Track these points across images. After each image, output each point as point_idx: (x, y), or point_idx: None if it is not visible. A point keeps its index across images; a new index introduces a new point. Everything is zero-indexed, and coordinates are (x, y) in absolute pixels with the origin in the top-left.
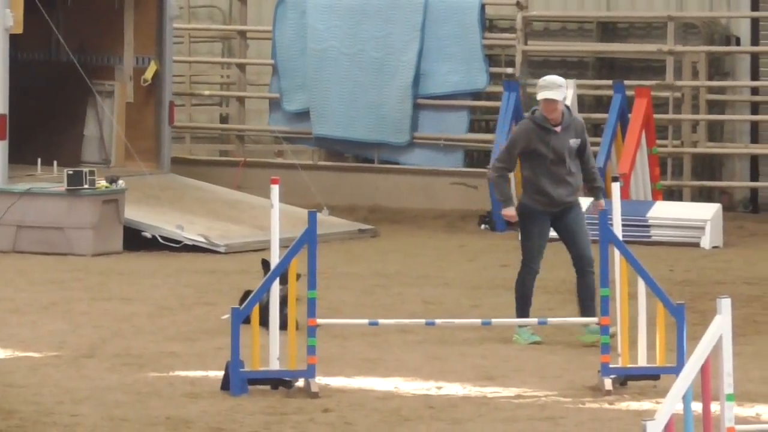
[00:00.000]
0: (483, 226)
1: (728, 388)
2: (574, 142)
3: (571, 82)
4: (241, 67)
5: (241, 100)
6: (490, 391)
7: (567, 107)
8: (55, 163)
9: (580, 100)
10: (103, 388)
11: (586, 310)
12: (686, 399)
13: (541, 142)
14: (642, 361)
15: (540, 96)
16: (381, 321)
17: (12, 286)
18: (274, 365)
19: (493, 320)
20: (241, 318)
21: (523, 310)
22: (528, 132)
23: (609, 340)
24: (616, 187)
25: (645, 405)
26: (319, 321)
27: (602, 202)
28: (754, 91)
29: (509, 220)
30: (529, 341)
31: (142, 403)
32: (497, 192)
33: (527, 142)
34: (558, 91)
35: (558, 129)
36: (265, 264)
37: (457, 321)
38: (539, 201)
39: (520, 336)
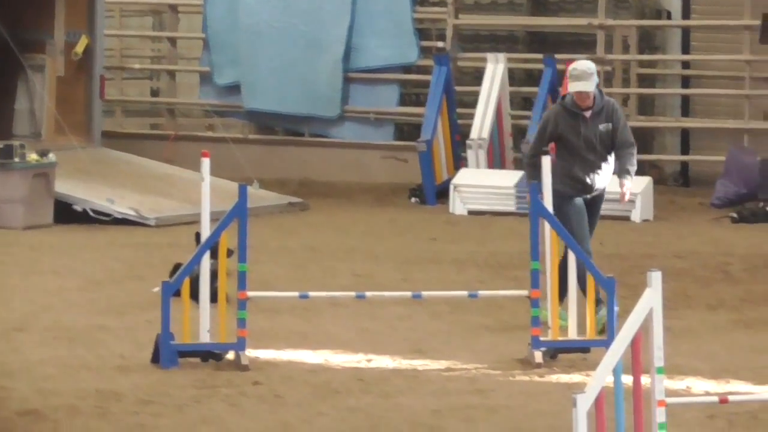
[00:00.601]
0: (413, 200)
1: (658, 361)
2: (604, 127)
3: (501, 56)
4: (172, 41)
5: (171, 73)
6: (420, 364)
7: (600, 91)
8: None
9: (511, 73)
10: (34, 362)
11: (581, 284)
12: (616, 372)
13: (571, 128)
14: (572, 335)
15: (572, 89)
16: (311, 294)
17: None
18: (205, 338)
19: (423, 293)
20: (172, 291)
21: (563, 290)
22: (557, 116)
23: (539, 313)
24: (546, 161)
25: (575, 378)
26: (250, 294)
27: (625, 191)
28: (685, 65)
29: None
30: (565, 321)
31: (72, 376)
32: (529, 178)
33: (555, 126)
34: (590, 81)
35: (588, 114)
36: (198, 237)
37: (387, 294)
38: (571, 186)
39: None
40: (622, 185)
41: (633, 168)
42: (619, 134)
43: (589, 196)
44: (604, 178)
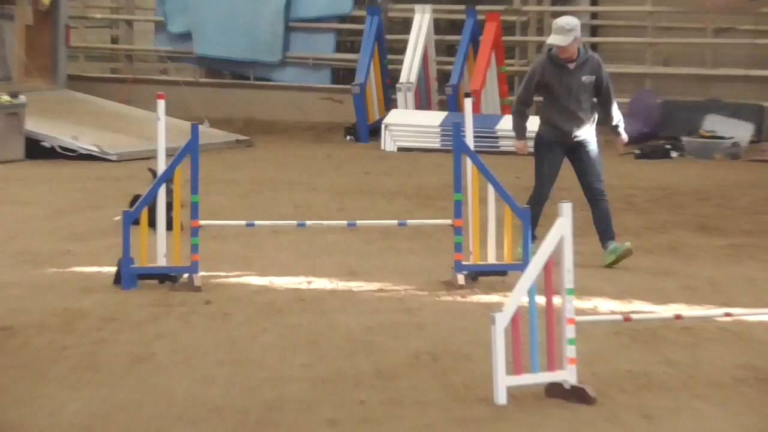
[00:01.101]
0: (348, 138)
1: (569, 283)
2: (587, 79)
3: (428, 7)
4: None
5: (129, 23)
6: (355, 285)
7: (584, 45)
8: None
9: (436, 23)
10: (5, 283)
11: (603, 234)
12: (531, 293)
13: (555, 77)
14: (491, 259)
15: (548, 41)
16: (257, 222)
17: None
18: (161, 262)
19: (358, 222)
20: (131, 220)
21: (531, 228)
22: (543, 66)
23: (462, 240)
24: (468, 102)
25: (494, 298)
26: (202, 222)
27: (623, 137)
28: (594, 15)
29: (520, 152)
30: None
31: (41, 296)
32: (513, 125)
33: (541, 76)
34: (566, 36)
35: (572, 66)
36: (154, 172)
37: (325, 223)
38: (551, 133)
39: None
40: (620, 141)
41: (620, 118)
42: (604, 89)
43: (569, 143)
44: (585, 127)
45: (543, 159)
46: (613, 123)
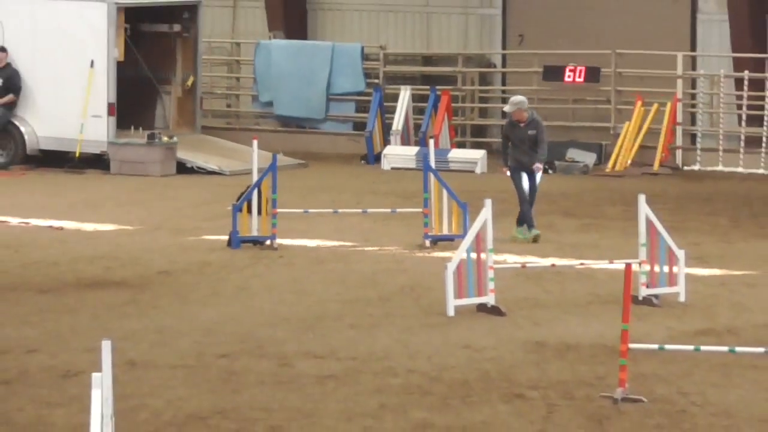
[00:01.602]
0: (362, 162)
1: (489, 245)
2: (531, 133)
3: (408, 87)
4: (237, 78)
5: (237, 96)
6: (366, 247)
7: (532, 111)
8: (140, 128)
9: (413, 96)
10: (164, 245)
11: (528, 222)
12: (468, 251)
13: (513, 132)
14: (445, 231)
15: (505, 108)
16: (310, 210)
17: (112, 194)
18: (255, 233)
19: (369, 210)
20: (238, 209)
21: (521, 223)
22: (507, 126)
23: (428, 221)
24: (431, 142)
25: (447, 254)
26: (278, 210)
27: (539, 165)
28: (504, 92)
29: (504, 173)
30: (526, 237)
31: (184, 252)
32: (503, 156)
33: (507, 131)
34: (511, 107)
35: (522, 125)
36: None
37: (348, 210)
38: (516, 163)
39: (519, 234)
40: (536, 163)
41: (543, 155)
42: (539, 136)
43: (526, 169)
44: (532, 160)
45: (516, 179)
46: (539, 157)
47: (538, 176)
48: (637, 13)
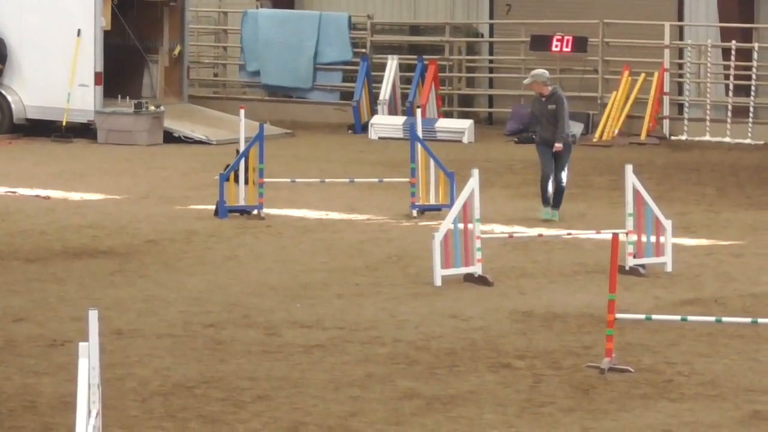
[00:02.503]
0: (349, 131)
1: (477, 214)
2: (551, 108)
3: (395, 56)
4: (224, 48)
5: (224, 65)
6: (354, 216)
7: (556, 86)
8: (127, 97)
9: (400, 66)
10: (151, 214)
11: (555, 203)
12: (455, 221)
13: (536, 106)
14: (432, 201)
15: (524, 81)
16: (297, 180)
17: (108, 164)
18: (242, 202)
19: (356, 179)
20: (225, 178)
21: (543, 196)
22: (534, 100)
23: (415, 190)
24: (418, 111)
25: (434, 224)
26: (265, 180)
27: (558, 144)
28: (491, 62)
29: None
30: (545, 216)
31: (172, 221)
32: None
33: (532, 106)
34: (530, 78)
35: (544, 99)
36: (238, 152)
37: (336, 180)
38: (539, 137)
39: (545, 215)
40: (557, 147)
41: (562, 131)
42: (557, 114)
43: (548, 143)
44: (553, 134)
45: (539, 151)
46: (558, 134)
47: (565, 159)
48: None
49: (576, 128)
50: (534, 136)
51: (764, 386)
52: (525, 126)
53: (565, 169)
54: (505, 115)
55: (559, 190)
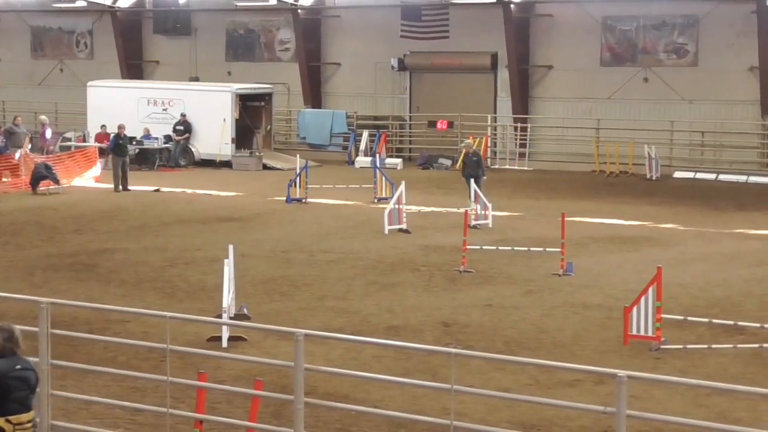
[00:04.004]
0: (346, 164)
1: (404, 201)
2: (475, 159)
3: (366, 130)
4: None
5: (287, 134)
6: (348, 202)
7: (476, 150)
8: (245, 149)
9: (369, 135)
10: (257, 202)
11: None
12: (394, 204)
13: (467, 158)
14: (384, 195)
15: (461, 146)
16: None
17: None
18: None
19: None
20: (290, 185)
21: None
22: (465, 155)
23: (376, 190)
24: (377, 156)
25: (384, 206)
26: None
27: (484, 178)
28: (410, 133)
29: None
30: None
31: (266, 205)
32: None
33: (465, 156)
34: (465, 145)
35: (470, 154)
36: (295, 177)
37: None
38: (467, 173)
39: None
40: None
41: (482, 171)
42: (479, 161)
43: (472, 177)
44: (478, 174)
45: (468, 183)
46: (481, 171)
47: (481, 182)
48: (472, 92)
49: (448, 163)
50: (467, 175)
51: (532, 275)
52: (426, 161)
53: (481, 185)
54: (416, 157)
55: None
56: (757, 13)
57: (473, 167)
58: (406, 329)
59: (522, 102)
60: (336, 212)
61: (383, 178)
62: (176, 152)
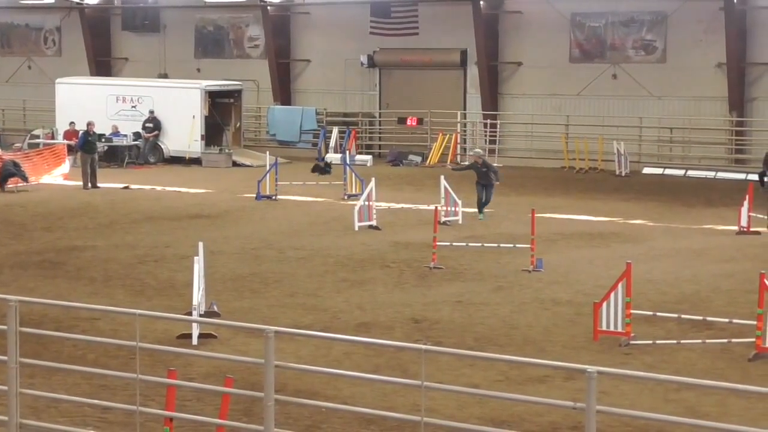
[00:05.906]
0: (316, 161)
1: (374, 198)
2: (484, 169)
3: (337, 127)
4: (257, 124)
5: (257, 130)
6: (318, 199)
7: (484, 158)
8: (214, 146)
9: (339, 132)
10: (226, 199)
11: (480, 209)
12: (364, 200)
13: (474, 166)
14: (354, 192)
15: (470, 154)
16: (293, 182)
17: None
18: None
19: (320, 183)
20: (260, 182)
21: (479, 208)
22: (473, 163)
23: (346, 187)
24: (347, 152)
25: (354, 202)
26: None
27: (497, 183)
28: (380, 130)
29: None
30: (482, 218)
31: (235, 202)
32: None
33: (473, 166)
34: (474, 153)
35: (479, 164)
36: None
37: (310, 183)
38: (479, 182)
39: (481, 217)
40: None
41: (496, 177)
42: (489, 168)
43: (482, 185)
44: (490, 180)
45: (479, 190)
46: (494, 178)
47: (493, 189)
48: (441, 89)
49: (418, 159)
50: (478, 183)
51: (502, 272)
52: (395, 158)
53: (492, 193)
54: (386, 153)
55: (487, 202)
56: (724, 10)
57: (484, 177)
58: (376, 326)
59: (491, 98)
60: (306, 209)
61: (352, 175)
62: (145, 149)
